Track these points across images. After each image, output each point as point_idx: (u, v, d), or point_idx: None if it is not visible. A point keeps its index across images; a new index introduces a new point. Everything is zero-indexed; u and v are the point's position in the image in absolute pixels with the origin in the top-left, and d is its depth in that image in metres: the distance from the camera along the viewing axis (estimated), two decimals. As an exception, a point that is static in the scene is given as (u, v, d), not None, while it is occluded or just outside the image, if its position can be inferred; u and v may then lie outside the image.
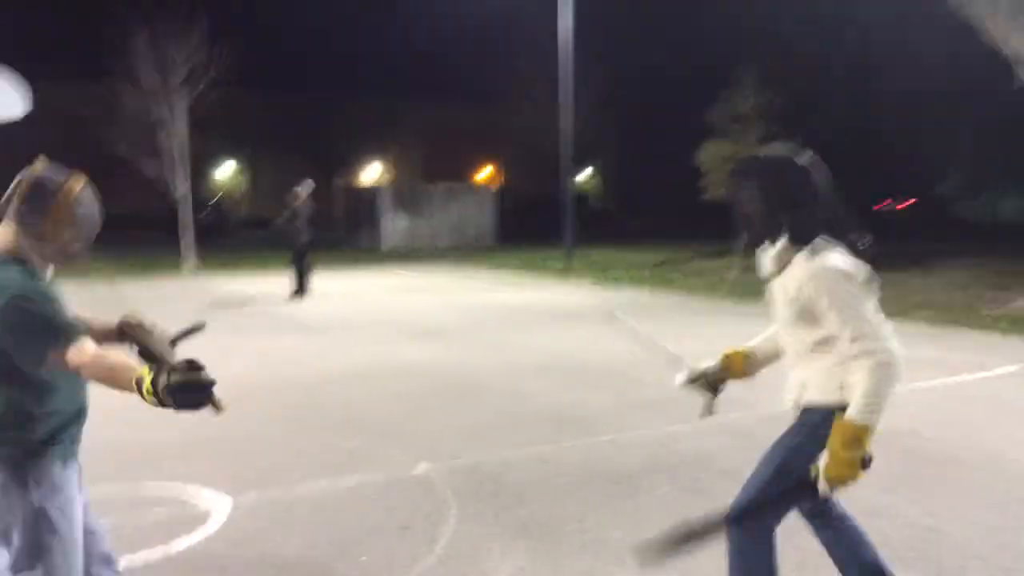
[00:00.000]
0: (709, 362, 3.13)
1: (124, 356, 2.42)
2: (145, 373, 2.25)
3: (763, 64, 18.73)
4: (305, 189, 14.22)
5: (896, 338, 2.65)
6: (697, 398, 3.24)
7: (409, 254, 24.78)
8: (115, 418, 6.76)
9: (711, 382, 3.13)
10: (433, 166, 44.08)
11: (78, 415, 2.52)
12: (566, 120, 19.63)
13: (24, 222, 2.47)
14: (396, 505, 4.58)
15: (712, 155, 18.37)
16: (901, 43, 23.59)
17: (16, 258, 2.46)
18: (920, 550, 3.93)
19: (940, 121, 27.49)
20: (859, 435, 2.57)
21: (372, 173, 50.44)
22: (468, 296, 15.13)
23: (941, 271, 16.90)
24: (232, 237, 32.58)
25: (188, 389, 2.21)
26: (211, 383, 2.24)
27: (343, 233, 29.37)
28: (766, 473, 2.81)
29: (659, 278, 16.98)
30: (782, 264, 2.77)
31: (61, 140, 29.73)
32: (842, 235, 2.75)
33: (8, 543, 2.38)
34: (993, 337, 10.05)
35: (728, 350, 3.15)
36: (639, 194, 46.65)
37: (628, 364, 8.14)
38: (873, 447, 2.62)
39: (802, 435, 2.79)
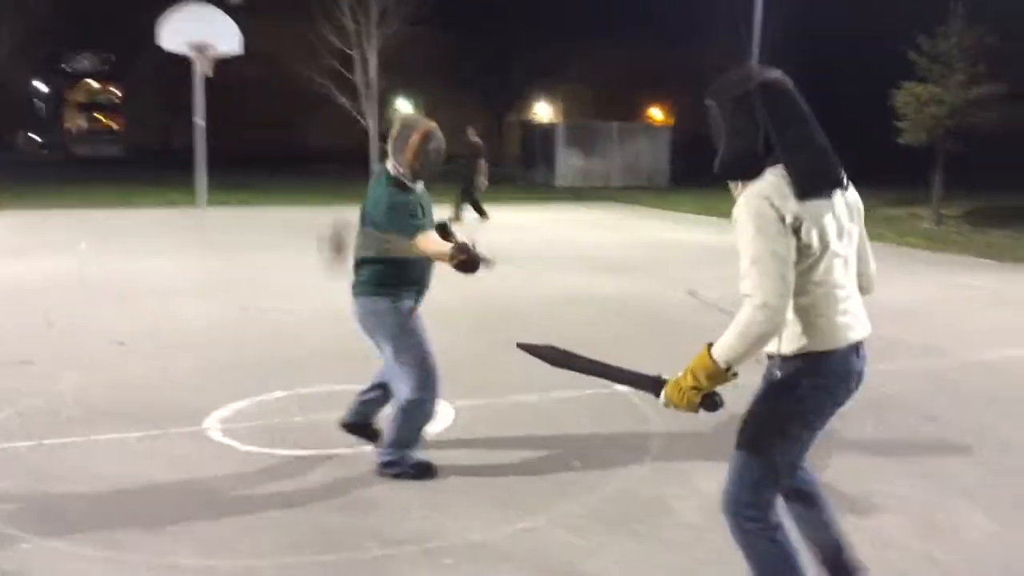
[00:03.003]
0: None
1: (442, 243, 3.82)
2: (448, 252, 3.72)
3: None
4: (474, 131, 15.94)
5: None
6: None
7: (583, 192, 24.99)
8: (340, 332, 7.51)
9: None
10: (605, 105, 43.76)
11: (418, 280, 4.00)
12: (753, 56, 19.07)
13: (395, 155, 3.86)
14: (603, 419, 4.94)
15: (908, 98, 17.34)
16: None
17: (396, 179, 3.86)
18: None
19: None
20: (710, 371, 2.37)
21: (545, 111, 50.71)
22: (647, 234, 15.26)
23: None
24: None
25: (468, 264, 3.74)
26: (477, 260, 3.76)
27: (518, 168, 29.90)
28: (742, 456, 2.57)
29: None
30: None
31: (266, 76, 31.82)
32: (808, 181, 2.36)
33: (382, 348, 3.99)
34: None
35: None
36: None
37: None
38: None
39: (767, 398, 2.54)
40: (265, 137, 40.09)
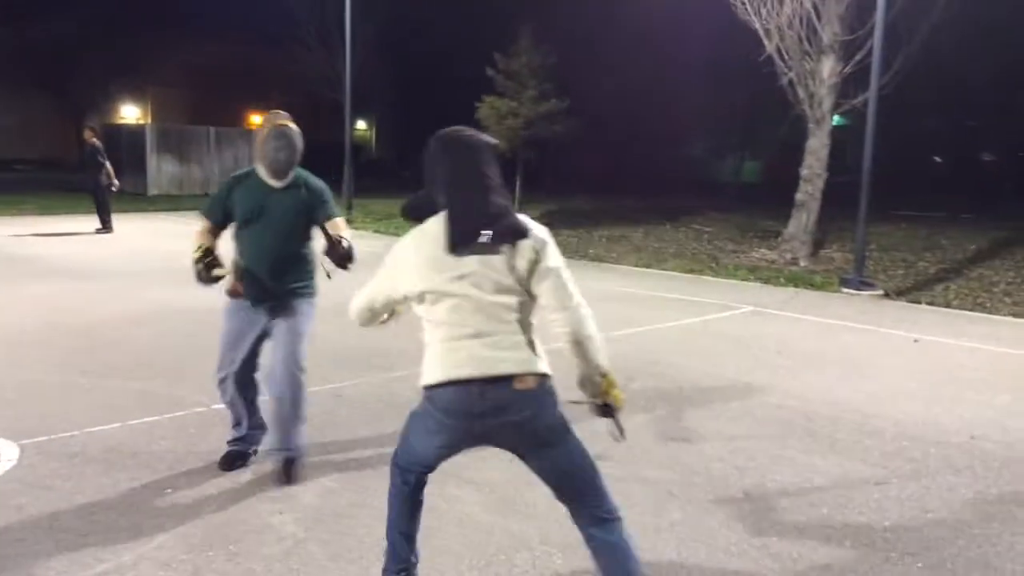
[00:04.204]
0: None
1: (203, 240, 4.17)
2: (195, 252, 4.09)
3: (538, 23, 19.37)
4: (91, 133, 15.61)
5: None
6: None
7: (179, 200, 23.55)
8: None
9: None
10: (202, 109, 41.69)
11: (247, 267, 4.34)
12: (347, 66, 19.39)
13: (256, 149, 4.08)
14: (196, 441, 4.69)
15: (490, 111, 18.88)
16: (666, 16, 25.09)
17: (253, 172, 4.16)
18: (671, 454, 4.65)
19: (693, 87, 29.62)
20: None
21: (132, 113, 46.95)
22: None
23: (691, 225, 18.60)
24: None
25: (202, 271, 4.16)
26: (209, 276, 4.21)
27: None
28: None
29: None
30: None
31: None
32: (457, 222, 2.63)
33: None
34: (734, 283, 11.43)
35: None
36: (414, 146, 46.64)
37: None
38: (622, 377, 2.75)
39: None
40: None
